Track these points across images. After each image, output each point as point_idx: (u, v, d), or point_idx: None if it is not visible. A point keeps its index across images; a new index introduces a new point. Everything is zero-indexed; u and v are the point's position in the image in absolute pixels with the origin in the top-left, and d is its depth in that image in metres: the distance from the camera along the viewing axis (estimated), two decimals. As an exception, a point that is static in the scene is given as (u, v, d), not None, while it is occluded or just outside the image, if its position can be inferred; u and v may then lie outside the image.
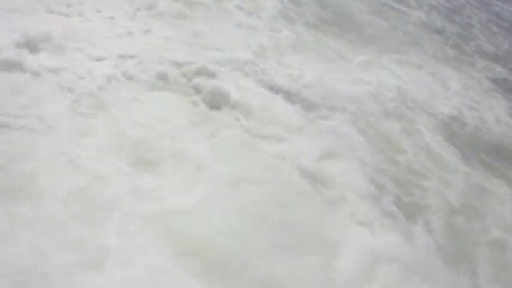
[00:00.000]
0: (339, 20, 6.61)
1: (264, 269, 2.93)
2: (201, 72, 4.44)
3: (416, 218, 3.84)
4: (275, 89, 4.74)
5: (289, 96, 4.73)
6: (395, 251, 3.46)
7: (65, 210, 2.78)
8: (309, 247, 3.20)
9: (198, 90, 4.24)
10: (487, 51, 7.63)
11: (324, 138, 4.33)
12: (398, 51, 6.55)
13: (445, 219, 3.94)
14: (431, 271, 3.45)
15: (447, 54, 7.09)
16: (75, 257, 2.56)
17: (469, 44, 7.70)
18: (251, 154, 3.82)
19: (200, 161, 3.49)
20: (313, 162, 3.95)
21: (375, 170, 4.18)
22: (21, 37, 3.82)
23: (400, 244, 3.55)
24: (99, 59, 4.12)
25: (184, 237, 2.91)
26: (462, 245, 3.78)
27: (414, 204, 4.01)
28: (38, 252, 2.53)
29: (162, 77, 4.24)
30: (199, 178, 3.35)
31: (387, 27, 7.05)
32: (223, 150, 3.72)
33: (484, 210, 4.22)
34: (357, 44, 6.21)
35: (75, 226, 2.72)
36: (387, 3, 7.73)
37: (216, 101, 4.21)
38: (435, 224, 3.87)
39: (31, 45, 3.86)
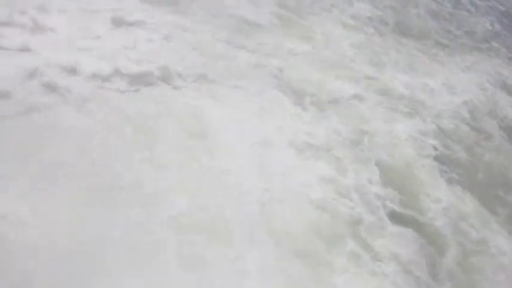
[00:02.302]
0: (404, 28, 6.92)
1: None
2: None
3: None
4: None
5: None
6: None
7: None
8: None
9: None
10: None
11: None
12: (468, 54, 6.88)
13: None
14: None
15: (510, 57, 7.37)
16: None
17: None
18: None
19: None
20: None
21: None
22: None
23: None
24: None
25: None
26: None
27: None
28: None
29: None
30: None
31: (452, 32, 7.35)
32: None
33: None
34: (430, 50, 6.56)
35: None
36: (445, 9, 8.01)
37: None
38: None
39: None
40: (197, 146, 3.68)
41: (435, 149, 4.80)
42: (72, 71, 3.87)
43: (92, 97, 3.75)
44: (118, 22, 4.63)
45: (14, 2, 4.25)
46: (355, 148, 4.36)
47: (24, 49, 3.89)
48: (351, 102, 4.89)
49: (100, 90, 3.85)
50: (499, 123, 5.73)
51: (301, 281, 3.09)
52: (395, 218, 3.87)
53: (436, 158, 4.70)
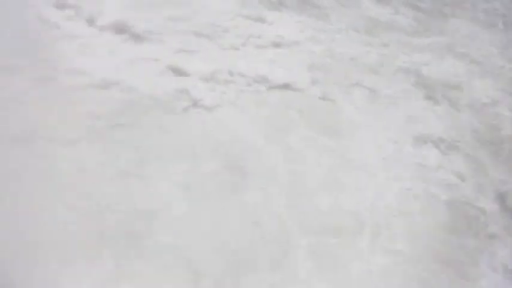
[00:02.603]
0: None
1: None
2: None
3: None
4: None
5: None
6: None
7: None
8: None
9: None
10: None
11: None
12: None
13: None
14: None
15: None
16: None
17: None
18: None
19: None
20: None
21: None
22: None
23: None
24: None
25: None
26: None
27: None
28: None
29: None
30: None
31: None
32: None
33: None
34: None
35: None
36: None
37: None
38: None
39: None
40: (330, 143, 3.82)
41: None
42: (205, 78, 4.14)
43: (225, 101, 4.00)
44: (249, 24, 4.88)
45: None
46: (492, 147, 4.21)
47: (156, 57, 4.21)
48: (489, 100, 4.72)
49: (233, 95, 4.08)
50: None
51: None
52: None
53: None
